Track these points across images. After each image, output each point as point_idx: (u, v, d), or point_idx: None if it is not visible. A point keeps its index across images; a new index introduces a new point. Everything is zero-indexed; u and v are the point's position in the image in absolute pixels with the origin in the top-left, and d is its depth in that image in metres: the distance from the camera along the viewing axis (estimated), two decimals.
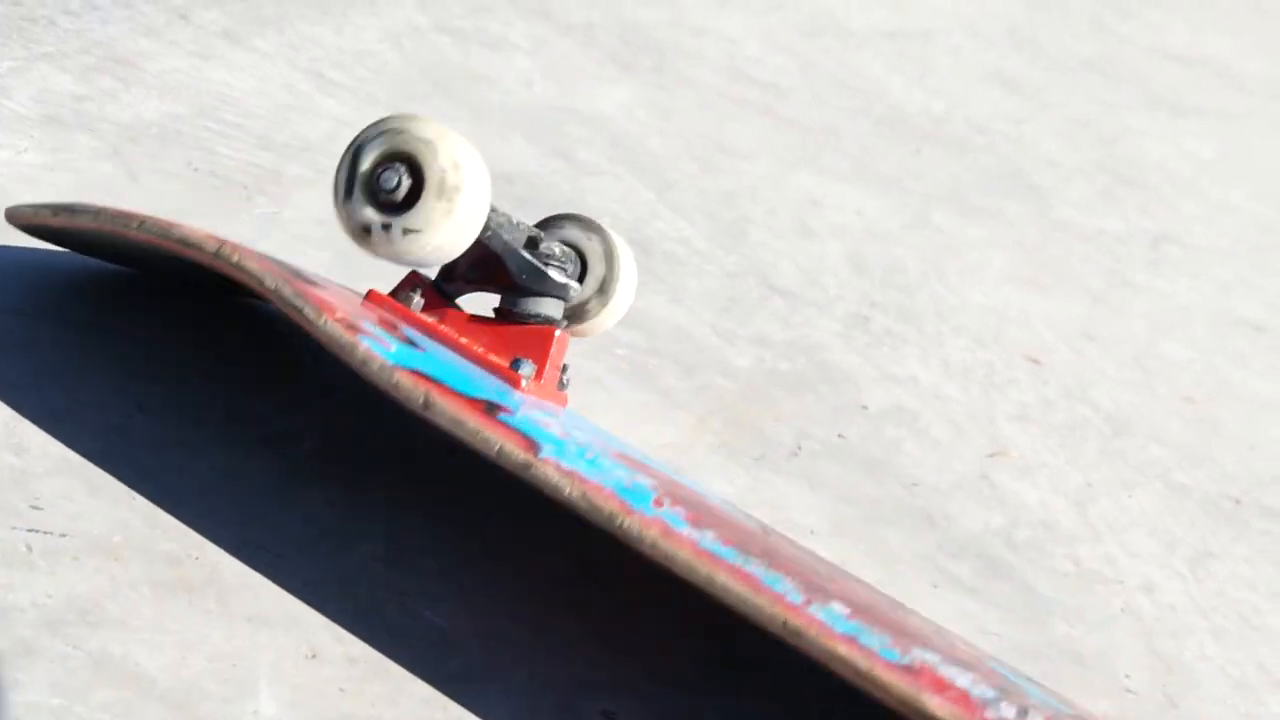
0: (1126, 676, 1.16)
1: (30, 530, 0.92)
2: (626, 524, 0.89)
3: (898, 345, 1.54)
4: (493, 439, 0.91)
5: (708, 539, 0.90)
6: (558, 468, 0.90)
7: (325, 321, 0.93)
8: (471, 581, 1.00)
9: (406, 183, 0.97)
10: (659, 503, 0.92)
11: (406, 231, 0.97)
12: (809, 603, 0.88)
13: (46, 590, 0.88)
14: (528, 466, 0.91)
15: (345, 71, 1.62)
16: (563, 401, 1.08)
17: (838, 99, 2.22)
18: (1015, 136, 2.33)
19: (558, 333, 1.05)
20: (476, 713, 0.91)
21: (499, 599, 0.99)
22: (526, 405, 1.00)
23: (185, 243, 0.96)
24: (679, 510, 0.92)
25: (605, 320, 1.13)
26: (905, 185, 1.98)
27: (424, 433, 1.15)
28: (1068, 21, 3.16)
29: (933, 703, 0.83)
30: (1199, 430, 1.60)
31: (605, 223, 1.14)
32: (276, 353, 1.18)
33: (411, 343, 0.99)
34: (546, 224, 1.12)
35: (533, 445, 0.91)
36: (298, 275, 0.98)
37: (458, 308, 1.05)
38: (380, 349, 0.94)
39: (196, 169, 1.35)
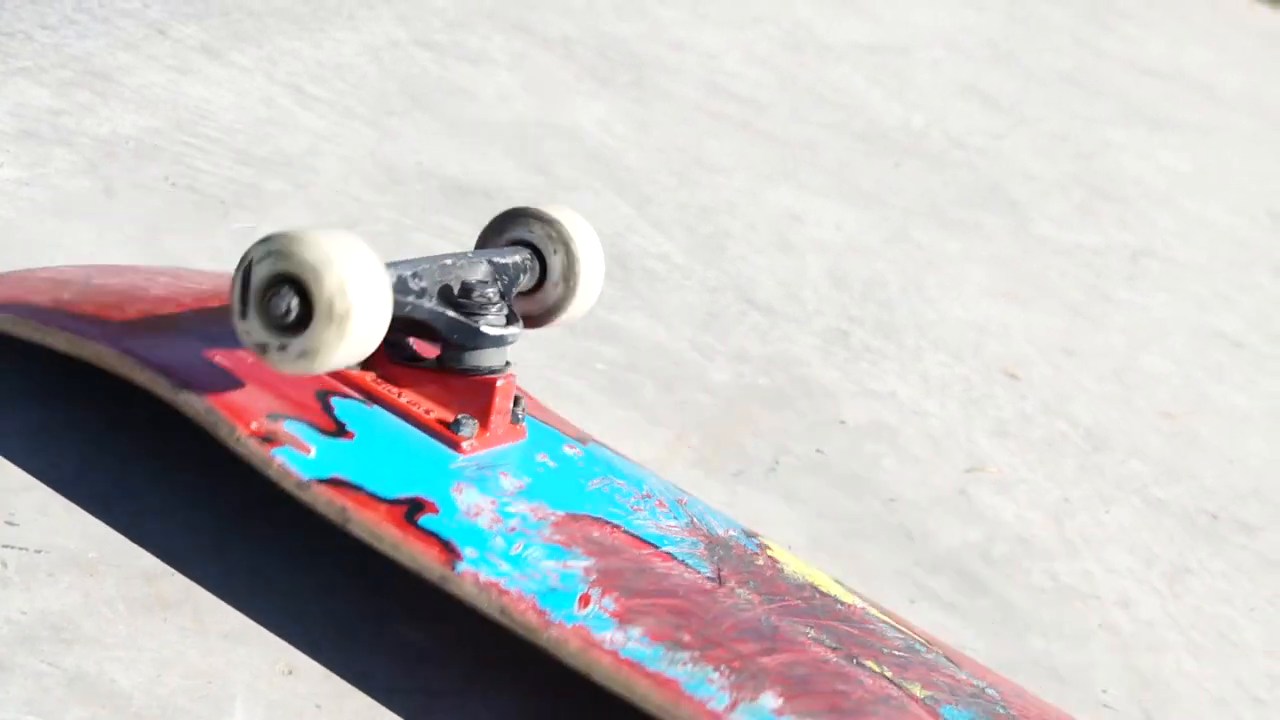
0: (1104, 691, 1.16)
1: (5, 546, 0.91)
2: (546, 638, 0.89)
3: (877, 360, 1.54)
4: (409, 554, 0.91)
5: (633, 640, 0.90)
6: (475, 580, 0.90)
7: (239, 438, 0.93)
8: (448, 597, 0.99)
9: (297, 306, 0.92)
10: (585, 600, 0.92)
11: (303, 354, 0.93)
12: (734, 706, 0.89)
13: (21, 607, 0.88)
14: (444, 580, 0.91)
15: (324, 85, 1.62)
16: (519, 436, 1.08)
17: (817, 113, 2.22)
18: (994, 151, 2.34)
19: (500, 382, 1.04)
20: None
21: (476, 615, 0.99)
22: (466, 475, 0.99)
23: (89, 359, 0.96)
24: (608, 604, 0.92)
25: (579, 307, 1.12)
26: (884, 199, 1.98)
27: None
28: (1046, 36, 3.17)
29: None
30: (1177, 445, 1.60)
31: (562, 208, 1.12)
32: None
33: (340, 428, 0.98)
34: (500, 225, 1.11)
35: (451, 554, 0.91)
36: (200, 391, 0.96)
37: (407, 360, 1.05)
38: (298, 458, 0.93)
39: (174, 184, 1.35)
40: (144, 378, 0.95)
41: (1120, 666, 1.21)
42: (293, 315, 0.92)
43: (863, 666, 1.00)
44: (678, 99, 2.05)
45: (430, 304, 1.01)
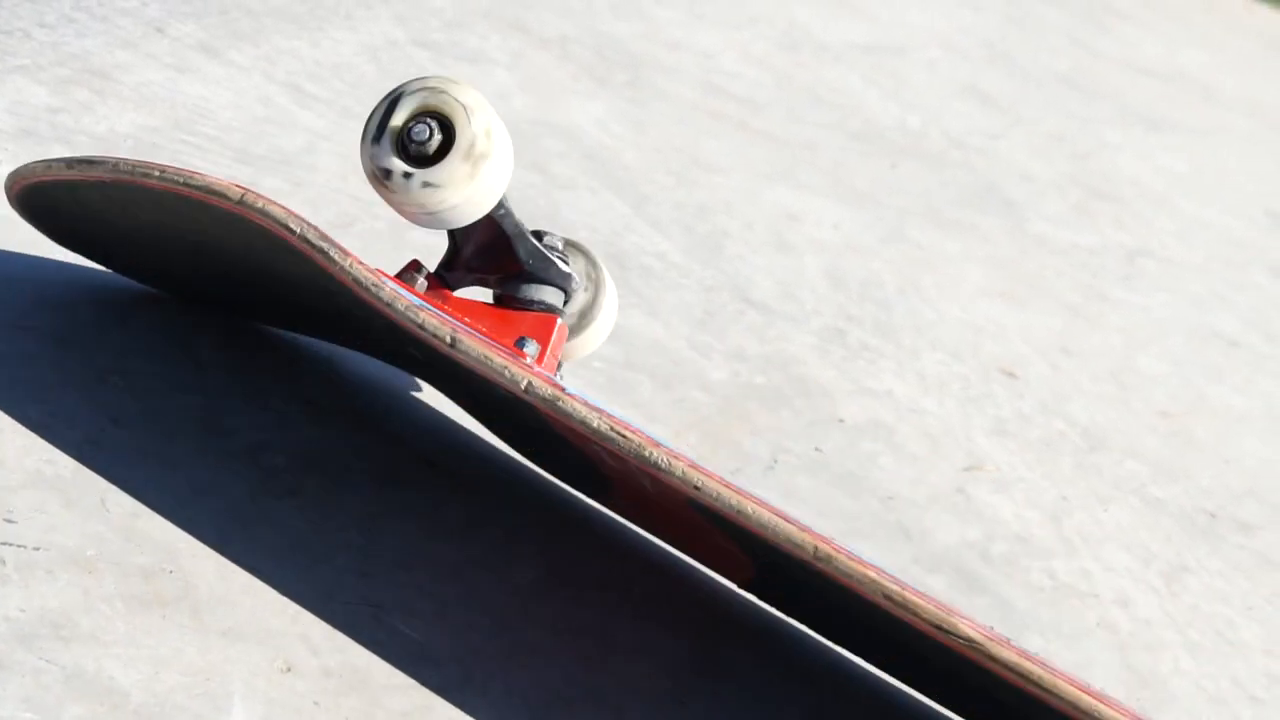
0: (1102, 689, 1.16)
1: (3, 543, 0.91)
2: (655, 456, 0.88)
3: (874, 359, 1.54)
4: (520, 375, 0.90)
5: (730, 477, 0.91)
6: (585, 403, 0.90)
7: (350, 264, 0.93)
8: (447, 594, 1.00)
9: (437, 138, 0.97)
10: (679, 448, 0.93)
11: (426, 185, 0.97)
12: (833, 537, 0.88)
13: (19, 604, 0.88)
14: (556, 399, 0.90)
15: (322, 84, 1.62)
16: None
17: (813, 113, 2.22)
18: (991, 151, 2.34)
19: (560, 321, 1.05)
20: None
21: (475, 612, 0.99)
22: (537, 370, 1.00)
23: (209, 191, 0.94)
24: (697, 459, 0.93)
25: (583, 345, 1.13)
26: (881, 199, 1.98)
27: (399, 445, 1.15)
28: (1043, 37, 3.18)
29: (964, 624, 0.83)
30: (1174, 445, 1.60)
31: (593, 250, 1.14)
32: (252, 366, 1.17)
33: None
34: (540, 234, 1.13)
35: (558, 385, 0.91)
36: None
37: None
38: (404, 292, 0.93)
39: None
40: (260, 209, 0.93)
41: (1118, 665, 1.21)
42: (432, 145, 0.97)
43: None
44: (675, 99, 2.06)
45: (519, 219, 1.05)
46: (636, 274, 1.53)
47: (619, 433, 0.88)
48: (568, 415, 0.89)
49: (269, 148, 1.46)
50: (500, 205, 1.02)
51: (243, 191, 0.94)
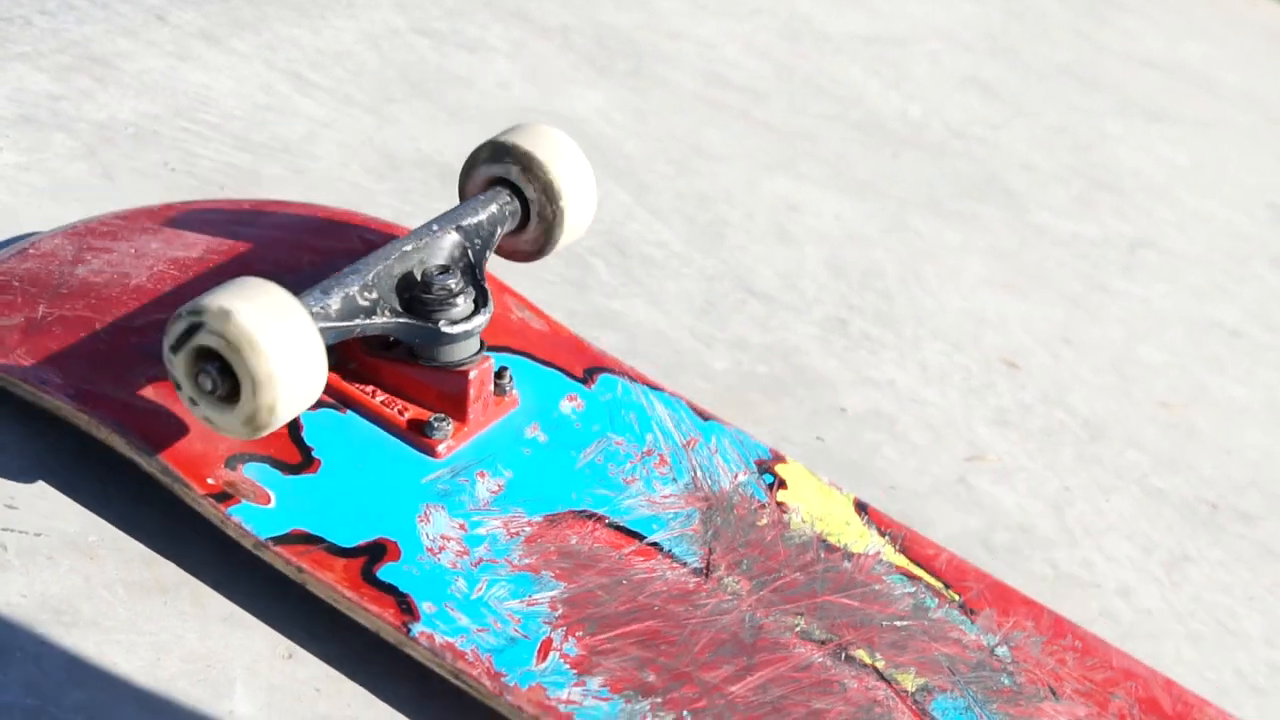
0: None
1: (5, 529, 0.91)
2: (501, 703, 0.89)
3: (875, 349, 1.54)
4: (365, 615, 0.91)
5: (590, 696, 0.90)
6: (431, 642, 0.90)
7: (195, 499, 0.92)
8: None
9: (223, 384, 0.89)
10: (545, 648, 0.92)
11: (231, 428, 0.90)
12: None
13: (21, 590, 0.88)
14: (400, 644, 0.91)
15: (323, 72, 1.61)
16: (508, 408, 1.07)
17: (815, 104, 2.22)
18: (992, 141, 2.34)
19: (473, 374, 1.02)
20: (452, 714, 0.91)
21: None
22: (437, 491, 0.99)
23: (57, 411, 0.95)
24: (570, 649, 0.92)
25: (570, 237, 1.11)
26: (882, 190, 1.98)
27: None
28: (1044, 28, 3.17)
29: None
30: (1175, 435, 1.60)
31: (538, 133, 1.09)
32: None
33: (306, 455, 0.98)
34: (473, 165, 1.09)
35: (407, 614, 0.91)
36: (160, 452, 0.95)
37: (383, 348, 1.04)
38: (255, 514, 0.93)
39: (173, 169, 1.34)
40: (102, 434, 0.94)
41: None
42: (221, 390, 0.89)
43: (851, 661, 0.99)
44: (676, 88, 2.05)
45: (384, 318, 0.99)
46: (638, 263, 1.52)
47: (462, 680, 0.90)
48: (417, 655, 0.90)
49: (270, 135, 1.46)
50: (347, 330, 0.97)
51: (87, 417, 0.94)
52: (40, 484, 0.95)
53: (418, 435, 1.01)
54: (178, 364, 0.90)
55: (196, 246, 1.12)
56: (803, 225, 1.78)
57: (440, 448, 1.01)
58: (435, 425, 1.01)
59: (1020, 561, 1.28)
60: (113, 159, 1.32)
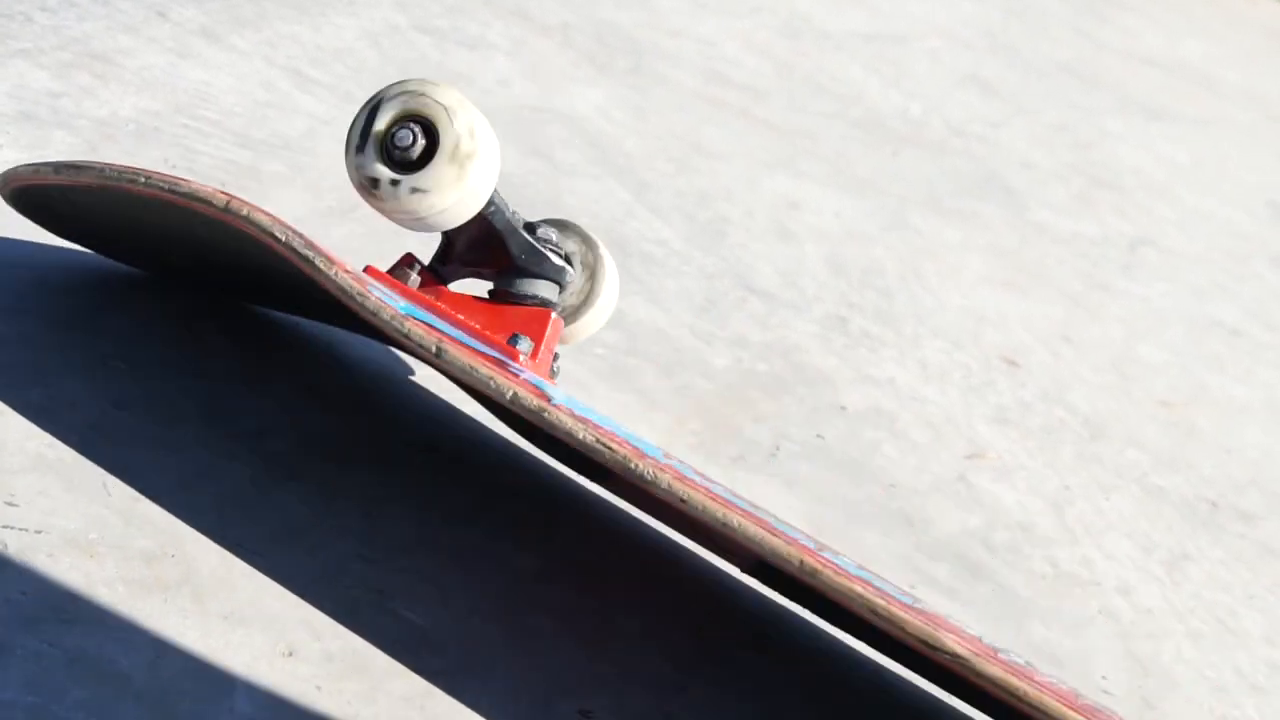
0: (1104, 678, 1.16)
1: (5, 526, 0.91)
2: (640, 467, 0.88)
3: (875, 347, 1.54)
4: (505, 385, 0.90)
5: (719, 488, 0.90)
6: (571, 414, 0.90)
7: (335, 272, 0.92)
8: (449, 580, 0.99)
9: (421, 143, 0.97)
10: (668, 455, 0.92)
11: (415, 190, 0.97)
12: (822, 548, 0.88)
13: (21, 587, 0.87)
14: (541, 410, 0.90)
15: (323, 69, 1.61)
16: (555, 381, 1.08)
17: (815, 102, 2.22)
18: (992, 140, 2.34)
19: (554, 315, 1.05)
20: (454, 711, 0.91)
21: (477, 598, 0.99)
22: (526, 374, 0.99)
23: (193, 197, 0.94)
24: (687, 466, 0.92)
25: (585, 328, 1.13)
26: (882, 188, 1.98)
27: (401, 430, 1.14)
28: (1044, 27, 3.17)
29: (950, 640, 0.83)
30: (1175, 434, 1.60)
31: (593, 233, 1.14)
32: (253, 350, 1.17)
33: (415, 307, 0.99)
34: (566, 226, 1.13)
35: (544, 395, 0.91)
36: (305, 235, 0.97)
37: (451, 291, 1.05)
38: (390, 301, 0.93)
39: (174, 166, 1.34)
40: (244, 213, 0.93)
41: (1120, 653, 1.21)
42: (416, 150, 0.97)
43: None
44: (676, 86, 2.05)
45: (510, 215, 1.04)
46: (638, 261, 1.52)
47: (605, 445, 0.88)
48: (553, 426, 0.89)
49: (270, 132, 1.46)
50: (490, 203, 1.02)
51: (227, 199, 0.94)
52: (40, 481, 0.95)
53: (503, 344, 1.02)
54: (367, 135, 0.97)
55: None
56: (803, 223, 1.78)
57: (521, 359, 1.02)
58: (519, 337, 1.03)
59: (1020, 560, 1.28)
60: (113, 156, 1.32)
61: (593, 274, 1.12)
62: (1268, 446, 1.66)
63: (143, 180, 0.96)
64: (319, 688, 0.89)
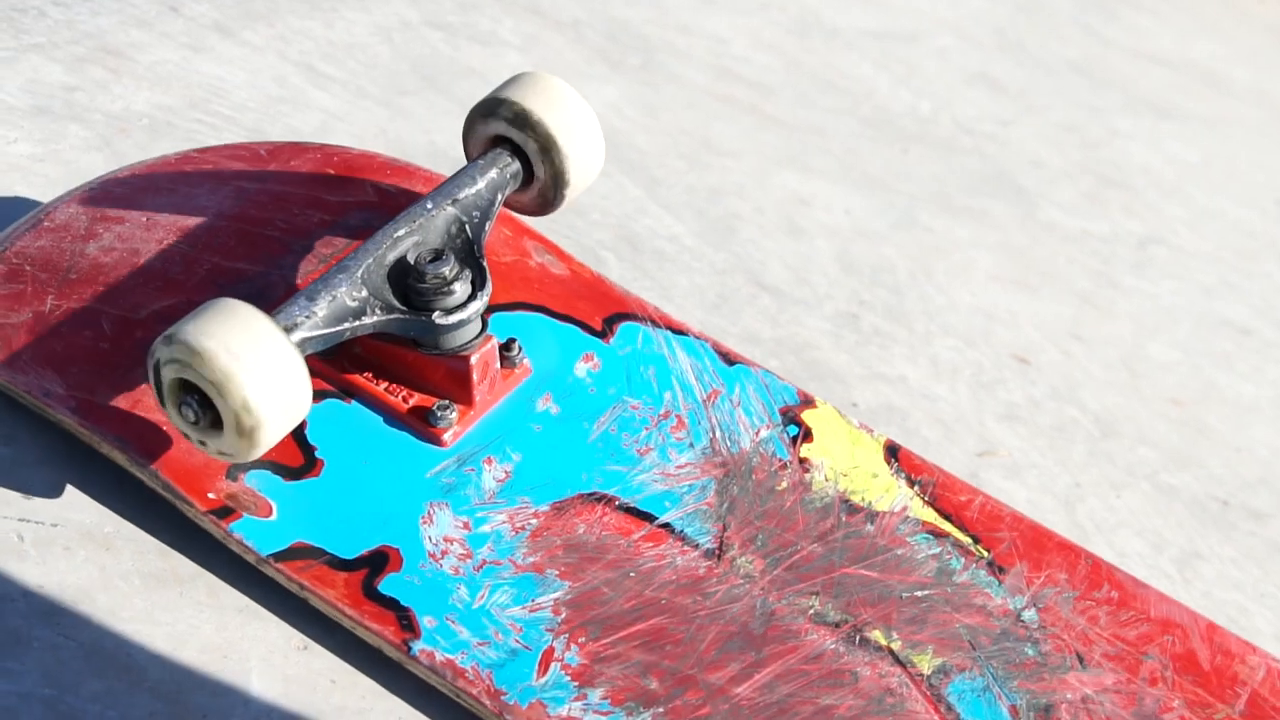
0: None
1: (22, 520, 0.91)
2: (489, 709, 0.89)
3: (886, 344, 1.54)
4: (366, 632, 0.91)
5: (591, 711, 0.90)
6: (431, 660, 0.90)
7: (197, 514, 0.93)
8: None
9: (205, 415, 0.89)
10: (547, 659, 0.92)
11: (222, 453, 0.90)
12: None
13: (38, 580, 0.88)
14: (402, 661, 0.91)
15: (336, 65, 1.61)
16: (519, 379, 1.05)
17: (824, 98, 2.22)
18: (1002, 138, 2.34)
19: (474, 359, 1.01)
20: (466, 706, 0.91)
21: None
22: (442, 484, 0.99)
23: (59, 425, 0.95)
24: (571, 658, 0.92)
25: (575, 190, 1.09)
26: (892, 185, 1.98)
27: None
28: (1054, 25, 3.17)
29: None
30: (1186, 432, 1.60)
31: (535, 81, 1.07)
32: None
33: (309, 456, 0.97)
34: (472, 125, 1.07)
35: (408, 631, 0.91)
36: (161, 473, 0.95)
37: (391, 342, 1.03)
38: (256, 528, 0.93)
39: None
40: (105, 449, 0.94)
41: None
42: (205, 420, 0.89)
43: (865, 645, 0.99)
44: (686, 83, 2.05)
45: (374, 317, 0.97)
46: (650, 257, 1.53)
47: (462, 698, 0.90)
48: (418, 671, 0.91)
49: (283, 127, 1.46)
50: (336, 335, 0.96)
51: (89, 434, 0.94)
52: (56, 475, 0.95)
53: (422, 424, 1.00)
54: (163, 392, 0.90)
55: (207, 210, 1.11)
56: (813, 220, 1.78)
57: (445, 436, 1.00)
58: (439, 414, 1.00)
59: None
60: (127, 150, 1.32)
61: (554, 168, 1.06)
62: (1278, 445, 1.66)
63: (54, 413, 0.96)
64: (334, 681, 0.89)
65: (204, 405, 0.88)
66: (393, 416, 1.01)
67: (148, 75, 1.45)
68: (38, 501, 0.92)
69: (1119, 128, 2.64)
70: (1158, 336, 1.83)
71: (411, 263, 1.00)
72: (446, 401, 1.01)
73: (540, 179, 1.07)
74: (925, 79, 2.51)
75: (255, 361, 0.87)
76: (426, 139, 1.54)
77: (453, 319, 1.00)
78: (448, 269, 1.00)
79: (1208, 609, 1.30)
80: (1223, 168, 2.67)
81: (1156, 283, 2.00)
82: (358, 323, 0.96)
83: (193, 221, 1.10)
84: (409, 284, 0.99)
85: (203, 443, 0.90)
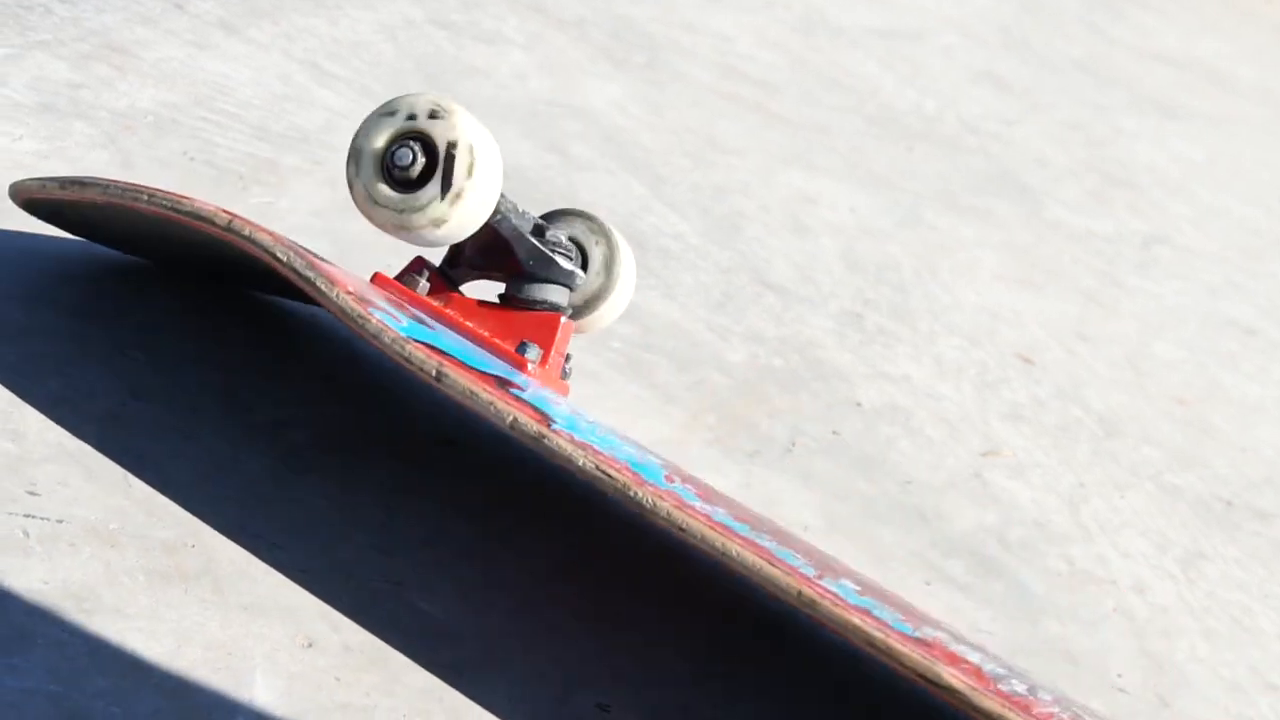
0: (1119, 676, 1.16)
1: (27, 516, 0.91)
2: (640, 495, 0.88)
3: (891, 343, 1.54)
4: (506, 410, 0.90)
5: (720, 514, 0.90)
6: (571, 439, 0.90)
7: (337, 294, 0.93)
8: (467, 573, 1.00)
9: (421, 161, 0.98)
10: (670, 479, 0.92)
11: (417, 210, 0.98)
12: (821, 576, 0.88)
13: (43, 577, 0.88)
14: (541, 437, 0.90)
15: (341, 63, 1.61)
16: (565, 391, 1.08)
17: (829, 97, 2.22)
18: (1006, 137, 2.34)
19: (563, 319, 1.05)
20: (472, 703, 0.91)
21: (495, 591, 0.99)
22: (533, 387, 1.00)
23: (196, 216, 0.95)
24: (690, 487, 0.92)
25: (616, 303, 1.13)
26: (897, 184, 1.98)
27: (420, 423, 1.15)
28: (1059, 23, 3.17)
29: (947, 673, 0.82)
30: (1190, 432, 1.60)
31: (607, 222, 1.14)
32: (273, 342, 1.17)
33: (420, 321, 0.99)
34: (550, 217, 1.13)
35: (545, 418, 0.91)
36: (308, 252, 0.97)
37: (462, 293, 1.05)
38: (392, 322, 0.94)
39: (192, 158, 1.35)
40: (247, 234, 0.94)
41: (1134, 651, 1.21)
42: (416, 169, 0.98)
43: None
44: (691, 81, 2.05)
45: (516, 222, 1.04)
46: (654, 255, 1.53)
47: (604, 472, 0.89)
48: (552, 453, 0.89)
49: (288, 125, 1.46)
50: (497, 210, 1.03)
51: (229, 218, 0.94)
52: (61, 471, 0.95)
53: (511, 352, 1.02)
54: (376, 146, 0.99)
55: None
56: (818, 218, 1.78)
57: (530, 367, 1.02)
58: (528, 345, 1.03)
59: (1035, 557, 1.28)
60: (132, 147, 1.33)
61: (608, 267, 1.12)
62: None
63: (145, 198, 0.96)
64: (338, 679, 0.90)
65: (426, 148, 0.98)
66: (481, 343, 1.03)
67: (153, 73, 1.45)
68: (43, 498, 0.93)
69: (1124, 126, 2.64)
70: (1162, 336, 1.83)
71: (536, 225, 1.07)
72: (531, 342, 1.04)
73: (589, 280, 1.12)
74: (930, 77, 2.51)
75: (476, 123, 0.99)
76: None
77: (569, 265, 1.06)
78: (566, 237, 1.09)
79: (1211, 609, 1.30)
80: (1228, 166, 2.67)
81: (1161, 282, 2.00)
82: (508, 215, 1.04)
83: None
84: (543, 239, 1.07)
85: (396, 201, 0.98)
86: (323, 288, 0.93)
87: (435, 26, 1.82)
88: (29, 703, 0.80)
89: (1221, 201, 2.43)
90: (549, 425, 0.90)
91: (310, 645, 0.91)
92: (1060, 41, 3.06)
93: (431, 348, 0.93)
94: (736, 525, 0.90)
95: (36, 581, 0.87)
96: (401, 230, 1.00)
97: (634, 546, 1.11)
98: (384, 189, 0.99)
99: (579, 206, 1.16)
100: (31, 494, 0.93)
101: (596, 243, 1.12)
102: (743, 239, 1.64)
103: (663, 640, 1.01)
